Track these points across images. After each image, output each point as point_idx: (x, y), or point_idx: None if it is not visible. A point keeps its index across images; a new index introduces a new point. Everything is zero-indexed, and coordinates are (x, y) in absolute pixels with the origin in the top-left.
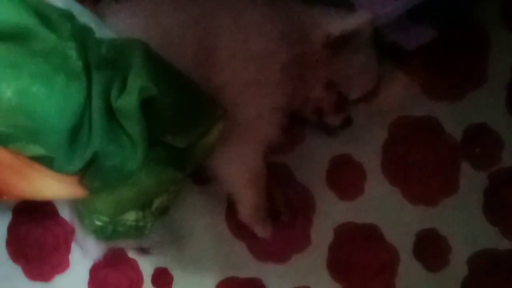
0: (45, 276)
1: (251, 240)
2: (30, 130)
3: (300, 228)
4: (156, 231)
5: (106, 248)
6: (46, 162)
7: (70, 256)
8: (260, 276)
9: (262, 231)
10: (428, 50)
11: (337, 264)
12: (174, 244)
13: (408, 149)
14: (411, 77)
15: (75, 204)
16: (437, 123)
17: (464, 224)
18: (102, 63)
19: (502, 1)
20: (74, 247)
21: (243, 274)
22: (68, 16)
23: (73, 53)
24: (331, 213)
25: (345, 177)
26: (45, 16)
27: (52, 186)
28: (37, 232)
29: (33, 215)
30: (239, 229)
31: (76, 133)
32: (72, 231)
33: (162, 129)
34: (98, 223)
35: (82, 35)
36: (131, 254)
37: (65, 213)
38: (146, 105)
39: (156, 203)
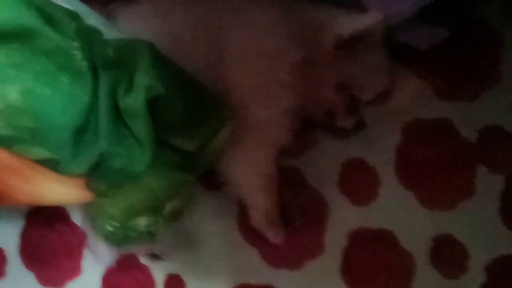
0: (57, 282)
1: (263, 246)
2: (34, 132)
3: (313, 233)
4: (168, 237)
5: (118, 253)
6: (51, 164)
7: (82, 262)
8: (272, 282)
9: (274, 236)
10: (440, 50)
11: (351, 270)
12: (186, 250)
13: (422, 152)
14: (423, 78)
15: (87, 210)
16: (451, 125)
17: (481, 229)
18: (108, 64)
19: None
20: (86, 253)
21: (255, 280)
22: (73, 16)
23: (77, 53)
24: (344, 218)
25: (358, 182)
26: (49, 16)
27: (58, 190)
28: (49, 238)
29: (45, 221)
30: (251, 235)
31: (81, 133)
32: (84, 237)
33: (169, 130)
34: (110, 228)
35: (87, 36)
36: (143, 260)
37: (77, 219)
38: (153, 106)
39: (168, 208)
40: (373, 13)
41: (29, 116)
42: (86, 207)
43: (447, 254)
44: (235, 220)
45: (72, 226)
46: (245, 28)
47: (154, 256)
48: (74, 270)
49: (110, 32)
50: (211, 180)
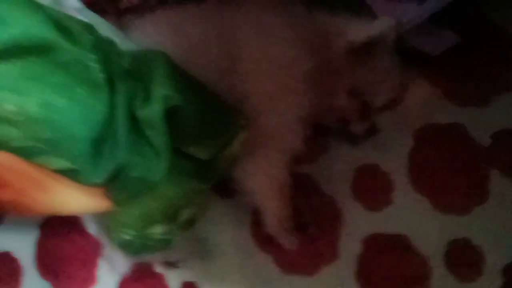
0: None
1: (277, 252)
2: (53, 143)
3: (327, 239)
4: (182, 245)
5: (133, 262)
6: (71, 174)
7: (97, 271)
8: None
9: (288, 243)
10: (452, 55)
11: (366, 276)
12: (200, 258)
13: (435, 157)
14: (435, 84)
15: (102, 219)
16: (463, 130)
17: (496, 232)
18: (124, 75)
19: None
20: (101, 262)
21: (270, 287)
22: (89, 28)
23: (94, 65)
24: (358, 224)
25: (371, 187)
26: (67, 29)
27: (77, 199)
28: (64, 248)
29: (60, 231)
30: (265, 242)
31: (100, 144)
32: (99, 246)
33: (184, 139)
34: (126, 237)
35: (104, 48)
36: (158, 268)
37: (92, 228)
38: (169, 115)
39: (182, 216)
40: (384, 20)
41: (48, 128)
42: (101, 216)
43: (463, 258)
44: (249, 227)
45: (87, 235)
46: (258, 37)
47: (169, 264)
48: (89, 280)
49: (124, 43)
50: (225, 187)
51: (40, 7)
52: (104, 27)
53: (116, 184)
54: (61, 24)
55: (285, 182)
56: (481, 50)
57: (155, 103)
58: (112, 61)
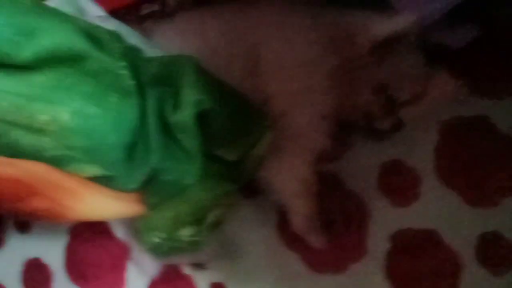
0: None
1: (305, 251)
2: (86, 151)
3: (354, 236)
4: (210, 246)
5: (162, 264)
6: (105, 181)
7: (126, 275)
8: (315, 287)
9: (316, 241)
10: (474, 47)
11: (396, 272)
12: (228, 259)
13: (462, 150)
14: (458, 76)
15: (131, 222)
16: (489, 122)
17: None
18: (153, 81)
19: None
20: (129, 265)
21: (299, 286)
22: (116, 36)
23: (124, 73)
24: (386, 220)
25: (398, 183)
26: (96, 38)
27: (111, 205)
28: (93, 253)
29: (89, 236)
30: (292, 241)
31: (133, 150)
32: (127, 250)
33: (214, 142)
34: (156, 240)
35: (131, 55)
36: (186, 270)
37: (119, 232)
38: (199, 119)
39: (210, 217)
40: (407, 14)
41: (81, 136)
42: (130, 220)
43: (494, 251)
44: (276, 226)
45: (115, 239)
46: (279, 37)
47: (197, 266)
48: (118, 283)
49: (150, 49)
50: (251, 187)
51: (68, 18)
52: (129, 34)
53: (149, 189)
54: (90, 33)
55: (311, 180)
56: (503, 41)
57: (186, 108)
58: (140, 67)
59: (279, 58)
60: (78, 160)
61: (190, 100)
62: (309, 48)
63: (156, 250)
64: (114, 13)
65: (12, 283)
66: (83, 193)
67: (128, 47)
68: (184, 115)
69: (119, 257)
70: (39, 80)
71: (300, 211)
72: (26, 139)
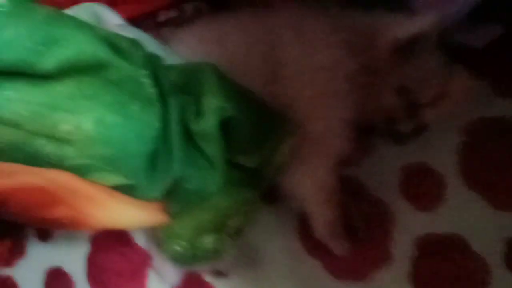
0: None
1: (327, 258)
2: (110, 159)
3: (378, 242)
4: (231, 254)
5: (183, 272)
6: (127, 190)
7: (147, 283)
8: None
9: (339, 247)
10: (496, 47)
11: (421, 278)
12: (249, 266)
13: (486, 152)
14: (480, 77)
15: (153, 230)
16: None
17: None
18: (174, 89)
19: None
20: (150, 273)
21: None
22: (137, 44)
23: (146, 81)
24: (409, 225)
25: (421, 187)
26: (117, 46)
27: (133, 214)
28: (114, 261)
29: (110, 244)
30: (314, 247)
31: (155, 159)
32: (148, 258)
33: (235, 149)
34: (178, 248)
35: (152, 63)
36: (207, 278)
37: (140, 240)
38: (222, 126)
39: (231, 224)
40: (427, 15)
41: (103, 145)
42: (151, 229)
43: None
44: (297, 233)
45: (136, 247)
46: (299, 42)
47: (218, 273)
48: None
49: (170, 57)
50: (272, 194)
51: (89, 26)
52: (149, 42)
53: (171, 197)
54: (111, 41)
55: (332, 186)
56: None
57: (209, 116)
58: (161, 75)
59: (299, 63)
60: (100, 169)
61: (213, 108)
62: (329, 52)
63: (177, 258)
64: (132, 20)
65: None
66: (106, 202)
67: (149, 55)
68: (207, 124)
69: (140, 265)
70: (61, 89)
71: (323, 217)
72: (48, 148)
